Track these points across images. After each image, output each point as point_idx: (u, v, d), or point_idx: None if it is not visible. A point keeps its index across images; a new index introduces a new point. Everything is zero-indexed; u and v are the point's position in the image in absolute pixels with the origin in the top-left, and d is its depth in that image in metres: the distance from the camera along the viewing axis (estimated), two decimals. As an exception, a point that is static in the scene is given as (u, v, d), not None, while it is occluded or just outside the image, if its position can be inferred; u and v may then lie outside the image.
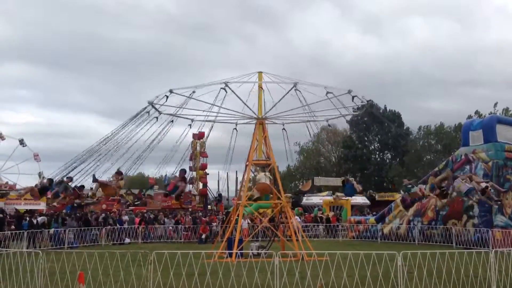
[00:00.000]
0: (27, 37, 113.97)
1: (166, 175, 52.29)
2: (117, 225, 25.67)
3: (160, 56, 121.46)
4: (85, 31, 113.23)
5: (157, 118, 20.56)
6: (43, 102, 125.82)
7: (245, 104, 19.58)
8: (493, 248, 14.02)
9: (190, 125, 21.73)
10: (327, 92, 19.58)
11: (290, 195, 38.62)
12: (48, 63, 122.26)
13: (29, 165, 55.11)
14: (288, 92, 19.32)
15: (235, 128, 22.41)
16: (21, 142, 51.51)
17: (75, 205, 32.83)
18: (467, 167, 23.74)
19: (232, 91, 19.21)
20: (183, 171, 21.19)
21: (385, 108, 62.58)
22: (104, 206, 36.59)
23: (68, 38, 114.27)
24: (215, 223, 28.12)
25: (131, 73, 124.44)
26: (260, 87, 21.33)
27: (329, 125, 24.64)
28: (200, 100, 19.72)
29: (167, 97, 19.53)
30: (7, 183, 44.66)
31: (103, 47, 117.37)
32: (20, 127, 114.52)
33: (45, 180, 21.03)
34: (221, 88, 19.29)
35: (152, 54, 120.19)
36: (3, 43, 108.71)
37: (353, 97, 19.79)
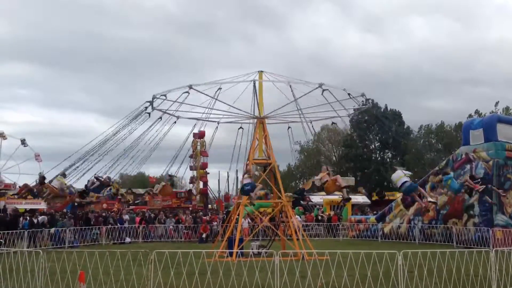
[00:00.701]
0: (27, 36, 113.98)
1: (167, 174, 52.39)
2: (118, 224, 25.70)
3: (160, 55, 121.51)
4: (85, 30, 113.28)
5: (149, 114, 20.56)
6: (43, 101, 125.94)
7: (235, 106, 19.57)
8: (493, 247, 14.04)
9: (175, 122, 21.49)
10: (323, 90, 19.52)
11: (290, 194, 38.59)
12: (49, 63, 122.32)
13: (30, 165, 55.11)
14: (281, 91, 19.37)
15: (241, 127, 22.34)
16: (23, 142, 51.61)
17: (75, 204, 32.94)
18: (468, 166, 23.72)
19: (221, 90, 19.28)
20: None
21: (386, 107, 62.56)
22: (104, 206, 36.70)
23: (68, 37, 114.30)
24: (215, 223, 28.14)
25: (131, 72, 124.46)
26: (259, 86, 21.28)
27: (333, 123, 24.50)
28: (199, 106, 19.80)
29: (165, 95, 19.55)
30: (15, 183, 44.64)
31: (103, 46, 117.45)
32: (20, 126, 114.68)
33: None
34: (218, 88, 19.31)
35: (152, 53, 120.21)
36: (4, 42, 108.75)
37: (349, 94, 19.76)
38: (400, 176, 15.75)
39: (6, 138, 51.51)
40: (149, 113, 20.63)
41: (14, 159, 52.31)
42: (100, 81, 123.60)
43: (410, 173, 16.48)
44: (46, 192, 20.07)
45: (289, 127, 22.15)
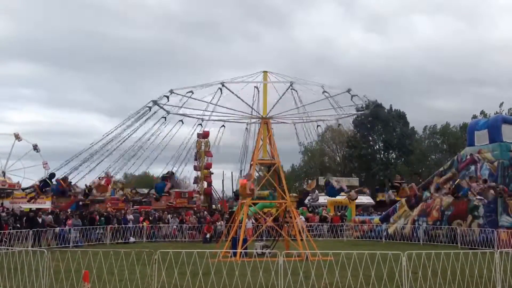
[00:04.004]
0: (30, 36, 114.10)
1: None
2: (122, 224, 25.79)
3: (163, 54, 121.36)
4: (88, 29, 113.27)
5: (165, 118, 20.52)
6: (46, 101, 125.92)
7: (248, 103, 19.57)
8: (498, 249, 13.99)
9: (181, 120, 21.39)
10: (324, 91, 19.51)
11: (295, 194, 38.62)
12: (52, 62, 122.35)
13: (36, 170, 55.12)
14: (284, 93, 19.31)
15: (247, 128, 22.28)
16: (35, 147, 51.93)
17: (80, 203, 33.06)
18: (473, 167, 23.68)
19: (231, 91, 19.24)
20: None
21: (391, 107, 62.47)
22: (109, 205, 36.78)
23: (70, 37, 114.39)
24: (219, 223, 28.13)
25: (134, 72, 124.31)
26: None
27: (339, 124, 24.43)
28: (202, 100, 19.78)
29: (168, 97, 19.57)
30: (18, 182, 44.78)
31: (106, 46, 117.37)
32: (23, 126, 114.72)
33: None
34: (218, 88, 19.30)
35: (155, 52, 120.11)
36: (7, 41, 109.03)
37: (352, 96, 19.71)
38: None
39: (21, 140, 51.92)
40: (154, 112, 20.61)
41: (22, 162, 52.68)
42: (103, 80, 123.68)
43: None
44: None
45: (294, 125, 22.12)
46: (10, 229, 21.00)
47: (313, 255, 14.23)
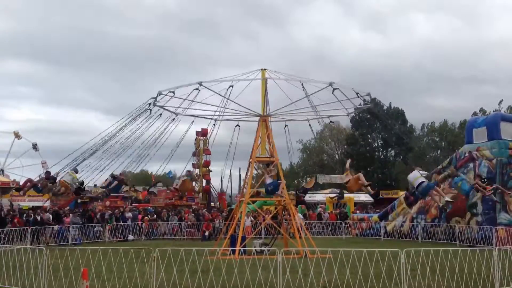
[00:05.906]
0: (30, 34, 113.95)
1: (169, 172, 52.55)
2: (121, 222, 25.79)
3: (162, 53, 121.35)
4: (86, 28, 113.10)
5: (150, 111, 20.47)
6: (44, 99, 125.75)
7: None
8: (496, 246, 14.02)
9: (192, 121, 21.59)
10: (334, 90, 19.49)
11: (294, 192, 38.56)
12: (50, 60, 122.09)
13: (35, 169, 55.28)
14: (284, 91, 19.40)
15: (238, 125, 22.32)
16: (34, 146, 52.05)
17: (79, 201, 33.00)
18: (471, 164, 23.69)
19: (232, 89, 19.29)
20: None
21: (390, 105, 62.42)
22: (108, 203, 36.71)
23: (69, 35, 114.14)
24: (218, 220, 28.11)
25: (133, 70, 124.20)
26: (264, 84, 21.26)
27: (331, 121, 24.46)
28: (203, 102, 19.83)
29: (167, 95, 19.52)
30: (14, 180, 44.78)
31: (104, 44, 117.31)
32: (21, 124, 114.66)
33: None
34: (229, 86, 19.36)
35: (154, 51, 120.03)
36: (6, 39, 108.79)
37: (357, 94, 19.78)
38: (417, 176, 16.24)
39: (20, 138, 52.03)
40: (150, 110, 20.54)
41: (18, 158, 52.78)
42: (101, 79, 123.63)
43: (426, 173, 16.69)
44: (58, 188, 20.10)
45: (286, 125, 22.18)
46: (9, 227, 20.98)
47: (311, 252, 14.24)
